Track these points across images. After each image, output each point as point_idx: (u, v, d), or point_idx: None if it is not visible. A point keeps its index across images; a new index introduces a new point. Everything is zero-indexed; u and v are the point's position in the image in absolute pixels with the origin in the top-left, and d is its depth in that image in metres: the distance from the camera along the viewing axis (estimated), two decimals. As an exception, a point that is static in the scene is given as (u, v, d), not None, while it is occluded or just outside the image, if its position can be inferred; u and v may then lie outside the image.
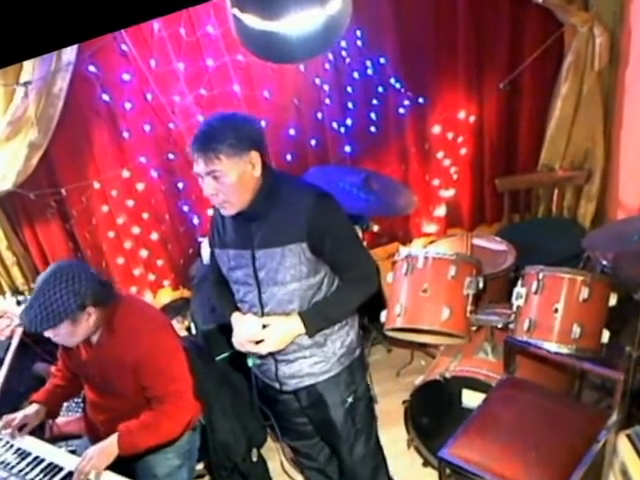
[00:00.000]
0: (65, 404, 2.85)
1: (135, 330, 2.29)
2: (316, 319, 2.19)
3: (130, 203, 3.79)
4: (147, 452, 2.41)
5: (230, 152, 1.98)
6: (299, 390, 2.37)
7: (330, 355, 2.29)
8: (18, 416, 2.48)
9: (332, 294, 2.23)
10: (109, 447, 2.30)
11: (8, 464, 2.38)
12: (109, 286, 2.32)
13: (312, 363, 2.28)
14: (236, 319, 2.29)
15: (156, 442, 2.36)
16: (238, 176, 2.01)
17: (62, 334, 2.19)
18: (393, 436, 3.09)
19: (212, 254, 2.36)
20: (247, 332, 2.23)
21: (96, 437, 2.42)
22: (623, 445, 2.35)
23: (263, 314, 2.22)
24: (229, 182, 2.01)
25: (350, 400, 2.39)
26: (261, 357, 2.34)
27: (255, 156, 2.05)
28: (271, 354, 2.28)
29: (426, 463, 3.10)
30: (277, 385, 2.37)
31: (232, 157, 1.99)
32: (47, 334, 2.20)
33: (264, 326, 2.21)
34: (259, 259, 2.13)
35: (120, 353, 2.27)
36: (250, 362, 2.32)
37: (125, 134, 3.64)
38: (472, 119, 4.00)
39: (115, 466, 2.30)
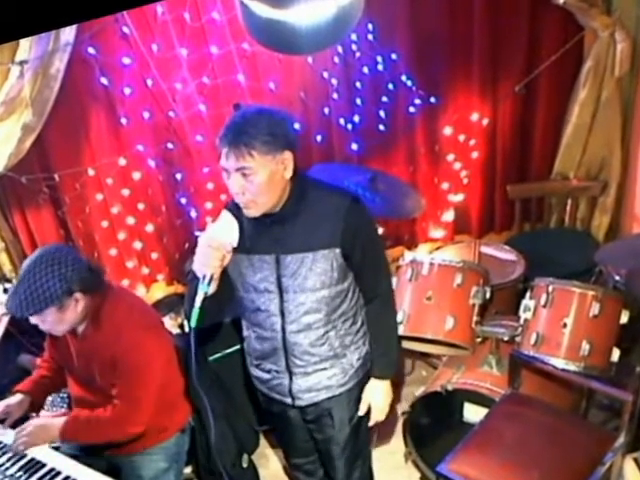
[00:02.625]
0: (49, 399, 2.85)
1: (120, 325, 2.27)
2: (388, 364, 2.35)
3: (125, 192, 3.77)
4: (133, 452, 2.41)
5: (264, 149, 1.92)
6: (310, 405, 2.33)
7: (348, 367, 2.28)
8: None
9: (378, 333, 2.33)
10: (52, 428, 2.32)
11: (-12, 459, 2.38)
12: (98, 273, 2.29)
13: (330, 375, 2.26)
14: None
15: (96, 441, 2.37)
16: (269, 176, 1.95)
17: (49, 321, 2.18)
18: (390, 449, 3.09)
19: None
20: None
21: None
22: (630, 469, 2.35)
23: (284, 323, 2.16)
24: (258, 181, 1.94)
25: (357, 417, 2.38)
26: (269, 372, 2.30)
27: (288, 157, 1.99)
28: (287, 367, 2.24)
29: (424, 478, 3.09)
30: (289, 400, 2.32)
31: (265, 155, 1.93)
32: (34, 320, 2.19)
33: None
34: (286, 265, 2.08)
35: (103, 347, 2.26)
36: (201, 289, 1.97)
37: (123, 120, 3.62)
38: (485, 122, 4.00)
39: (101, 465, 2.31)
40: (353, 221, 2.07)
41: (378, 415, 2.39)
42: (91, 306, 2.25)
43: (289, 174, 2.02)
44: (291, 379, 2.26)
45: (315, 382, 2.26)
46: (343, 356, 2.25)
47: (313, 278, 2.08)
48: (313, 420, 2.38)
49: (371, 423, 2.41)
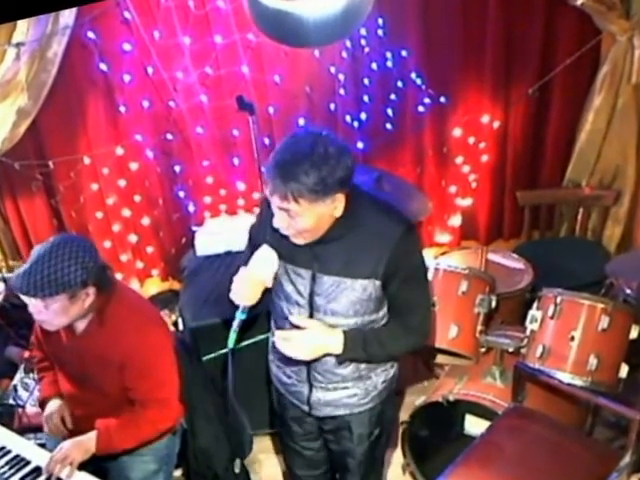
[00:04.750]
0: (37, 394, 2.83)
1: (125, 325, 2.27)
2: (357, 348, 2.10)
3: (122, 183, 3.79)
4: (123, 453, 2.40)
5: (312, 197, 1.84)
6: (328, 417, 2.32)
7: (371, 389, 2.26)
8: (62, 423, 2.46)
9: (382, 331, 2.15)
10: (87, 443, 2.29)
11: (-29, 454, 2.38)
12: (111, 272, 2.31)
13: (351, 394, 2.24)
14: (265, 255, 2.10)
15: (134, 445, 2.37)
16: (316, 218, 1.91)
17: (53, 309, 2.16)
18: (388, 459, 3.06)
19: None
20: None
21: (69, 432, 2.41)
22: (635, 489, 2.35)
23: None
24: (304, 222, 1.91)
25: (376, 433, 2.37)
26: (290, 378, 2.29)
27: (340, 197, 1.91)
28: (308, 379, 2.23)
29: (422, 490, 3.08)
30: (306, 408, 2.32)
31: (313, 202, 1.86)
32: (37, 306, 2.16)
33: (297, 327, 2.11)
34: (321, 284, 2.05)
35: (106, 347, 2.25)
36: (232, 337, 2.12)
37: (121, 108, 3.64)
38: (496, 125, 4.00)
39: (88, 466, 2.30)
40: (400, 253, 1.99)
41: (296, 348, 2.09)
42: (96, 304, 2.24)
43: (339, 212, 1.95)
44: (311, 390, 2.26)
45: (335, 398, 2.25)
46: (368, 378, 2.23)
47: (347, 305, 2.05)
48: (331, 430, 2.38)
49: (281, 342, 2.11)
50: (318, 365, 2.17)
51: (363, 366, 2.20)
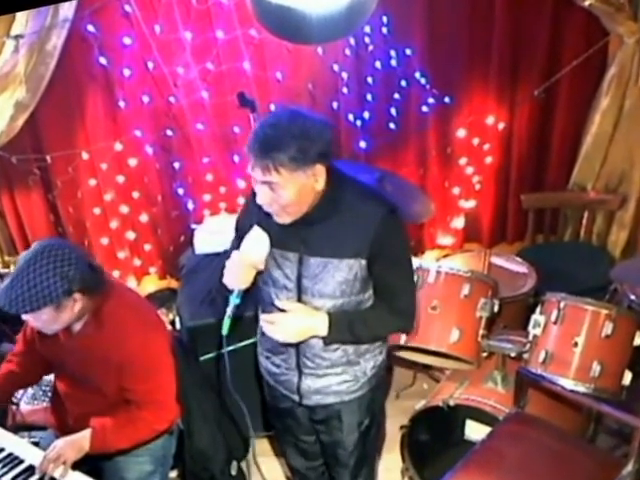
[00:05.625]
0: (31, 391, 2.86)
1: (125, 326, 2.26)
2: (342, 329, 2.14)
3: (120, 179, 3.78)
4: (118, 453, 2.41)
5: (293, 166, 1.90)
6: (318, 405, 2.35)
7: (360, 375, 2.29)
8: None
9: (368, 312, 2.19)
10: (81, 441, 2.29)
11: (-37, 452, 2.37)
12: (99, 272, 2.27)
13: (341, 381, 2.27)
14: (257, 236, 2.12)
15: (129, 445, 2.37)
16: (297, 190, 1.95)
17: (43, 320, 2.16)
18: (386, 463, 3.07)
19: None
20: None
21: (64, 431, 2.41)
22: (638, 498, 2.35)
23: None
24: (286, 195, 1.95)
25: (367, 422, 2.40)
26: (279, 367, 2.31)
27: (320, 170, 1.97)
28: (297, 365, 2.26)
29: (421, 496, 3.08)
30: (296, 397, 2.35)
31: (293, 172, 1.91)
32: (26, 317, 2.17)
33: (283, 311, 2.15)
34: (308, 266, 2.09)
35: (106, 349, 2.24)
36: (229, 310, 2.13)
37: (121, 103, 3.63)
38: (501, 126, 4.01)
39: (83, 466, 2.30)
40: (383, 233, 2.04)
41: (282, 331, 2.13)
42: (89, 306, 2.23)
43: (320, 186, 2.00)
44: (300, 378, 2.29)
45: (324, 385, 2.28)
46: (357, 363, 2.26)
47: (333, 285, 2.09)
48: (322, 421, 2.40)
49: (267, 325, 2.16)
50: (306, 349, 2.21)
51: (351, 350, 2.23)
